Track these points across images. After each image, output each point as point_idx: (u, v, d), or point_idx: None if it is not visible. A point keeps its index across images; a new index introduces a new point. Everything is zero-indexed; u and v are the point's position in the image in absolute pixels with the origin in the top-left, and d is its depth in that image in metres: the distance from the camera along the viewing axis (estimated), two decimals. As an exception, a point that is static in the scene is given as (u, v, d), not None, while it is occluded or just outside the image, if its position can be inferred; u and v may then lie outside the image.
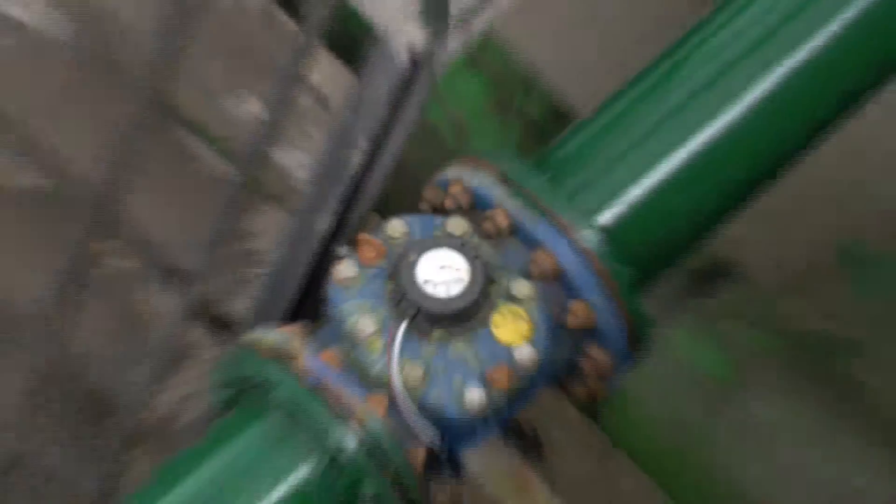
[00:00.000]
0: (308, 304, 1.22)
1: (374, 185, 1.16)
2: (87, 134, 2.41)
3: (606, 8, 1.92)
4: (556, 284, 1.06)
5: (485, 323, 1.04)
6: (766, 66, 1.09)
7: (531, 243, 1.06)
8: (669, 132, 1.12)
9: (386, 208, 1.15)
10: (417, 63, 1.07)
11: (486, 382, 1.01)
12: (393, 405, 1.00)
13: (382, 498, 1.03)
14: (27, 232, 2.47)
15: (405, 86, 1.06)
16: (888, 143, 1.85)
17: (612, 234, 1.07)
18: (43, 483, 2.33)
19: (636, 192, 1.10)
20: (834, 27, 1.09)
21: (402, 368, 1.01)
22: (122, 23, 2.60)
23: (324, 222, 1.18)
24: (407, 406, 1.02)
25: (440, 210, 1.10)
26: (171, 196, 2.40)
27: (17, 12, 2.63)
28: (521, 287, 1.04)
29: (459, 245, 1.04)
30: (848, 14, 1.10)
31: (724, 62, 1.12)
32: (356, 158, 1.12)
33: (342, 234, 1.17)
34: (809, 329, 1.90)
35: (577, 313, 1.05)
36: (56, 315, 1.88)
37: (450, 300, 1.03)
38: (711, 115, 1.16)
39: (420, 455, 1.03)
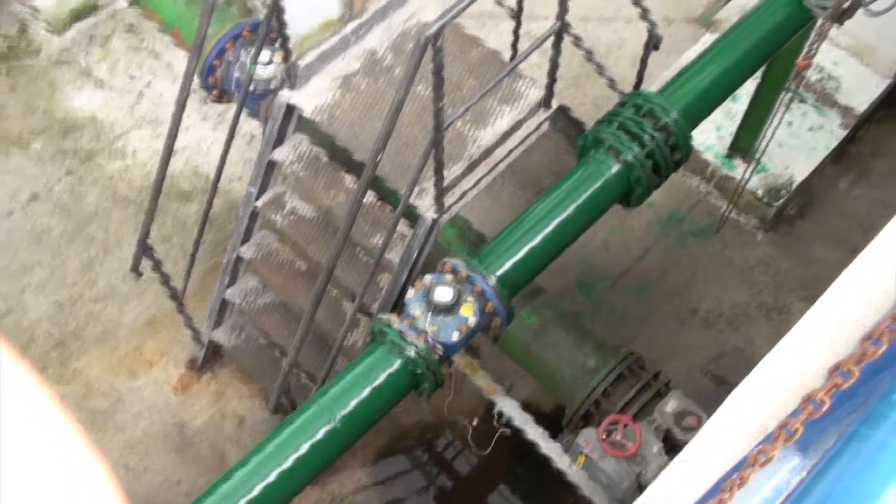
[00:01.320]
0: (399, 303, 3.65)
1: (420, 264, 3.61)
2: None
3: (502, 198, 4.50)
4: (482, 296, 3.54)
5: (458, 310, 3.48)
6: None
7: (472, 283, 3.54)
8: (519, 244, 3.56)
9: (424, 272, 3.58)
10: (434, 223, 3.54)
11: (459, 331, 3.46)
12: (427, 339, 3.46)
13: (424, 375, 3.50)
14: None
15: (430, 232, 3.52)
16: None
17: (500, 278, 3.81)
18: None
19: (508, 265, 3.79)
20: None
21: (430, 326, 3.42)
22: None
23: (402, 277, 3.62)
24: (432, 339, 3.47)
25: (442, 272, 3.51)
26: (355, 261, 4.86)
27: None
28: (470, 298, 3.47)
29: (448, 283, 3.45)
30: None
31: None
32: (414, 254, 3.60)
33: (409, 280, 3.61)
34: (567, 308, 4.42)
35: (488, 307, 3.46)
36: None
37: (446, 302, 3.48)
38: (539, 231, 3.59)
39: (437, 356, 3.45)
